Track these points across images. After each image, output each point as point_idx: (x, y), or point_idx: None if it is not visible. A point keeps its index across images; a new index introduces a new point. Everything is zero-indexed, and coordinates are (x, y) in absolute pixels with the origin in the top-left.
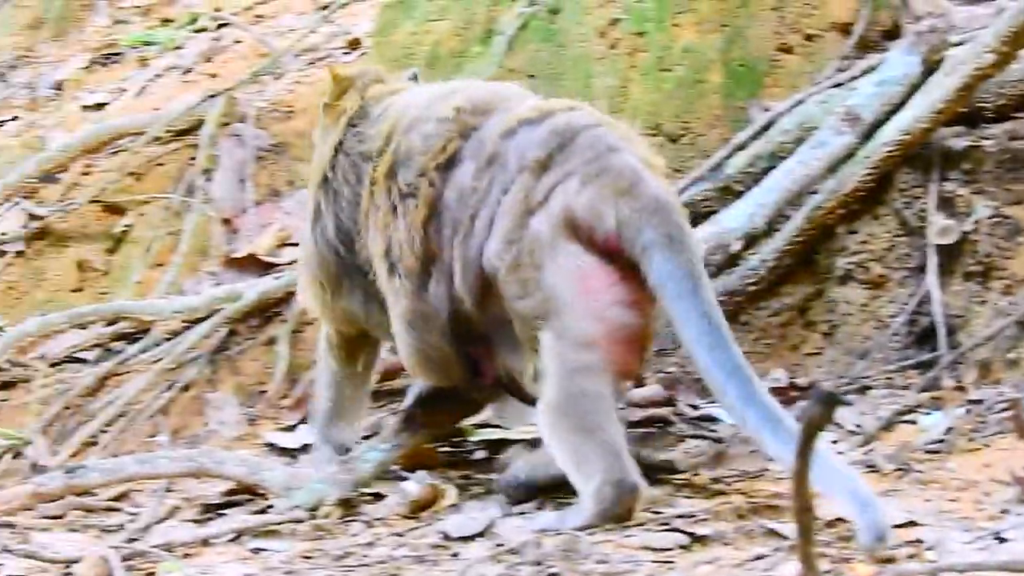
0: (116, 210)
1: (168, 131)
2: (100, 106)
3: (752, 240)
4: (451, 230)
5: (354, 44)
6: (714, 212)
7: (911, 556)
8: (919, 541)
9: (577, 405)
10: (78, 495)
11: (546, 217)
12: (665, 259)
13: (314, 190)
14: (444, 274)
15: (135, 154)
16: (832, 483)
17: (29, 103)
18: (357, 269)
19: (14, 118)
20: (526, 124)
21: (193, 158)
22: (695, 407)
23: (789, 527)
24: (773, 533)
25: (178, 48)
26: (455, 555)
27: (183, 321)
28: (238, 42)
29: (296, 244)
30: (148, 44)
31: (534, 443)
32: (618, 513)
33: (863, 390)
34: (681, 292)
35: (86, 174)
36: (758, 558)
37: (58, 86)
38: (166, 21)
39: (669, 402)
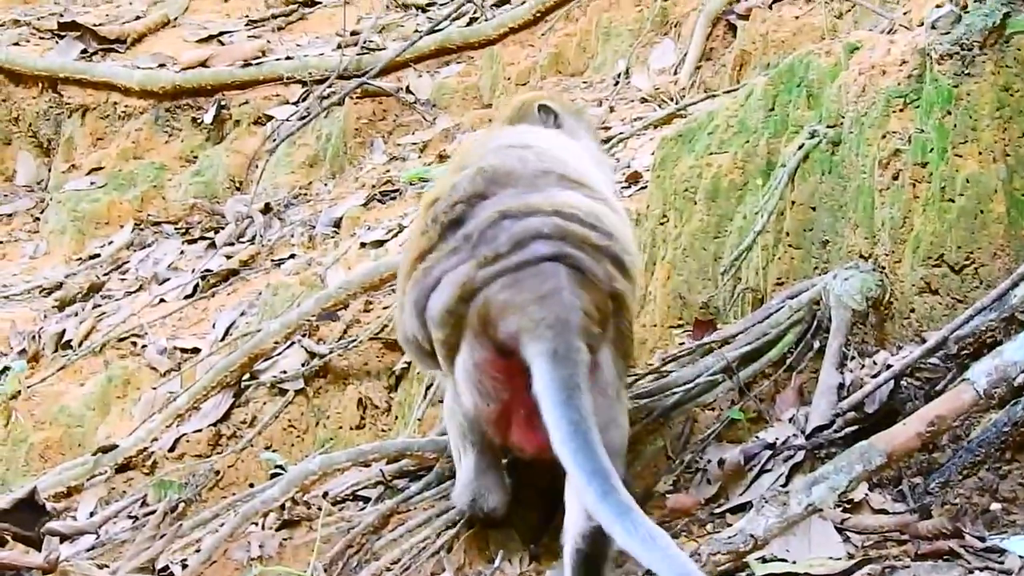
0: (396, 347)
1: None
2: (379, 243)
3: None
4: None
5: (634, 178)
6: (998, 343)
7: None
8: None
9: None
10: None
11: (473, 308)
12: (546, 370)
13: None
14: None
15: None
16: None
17: (307, 241)
18: None
19: (292, 256)
20: (509, 218)
21: None
22: (982, 539)
23: None
24: None
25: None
26: None
27: None
28: None
29: None
30: (425, 180)
31: None
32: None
33: None
34: (555, 402)
35: (366, 311)
36: None
37: (336, 224)
38: (443, 158)
39: (956, 534)
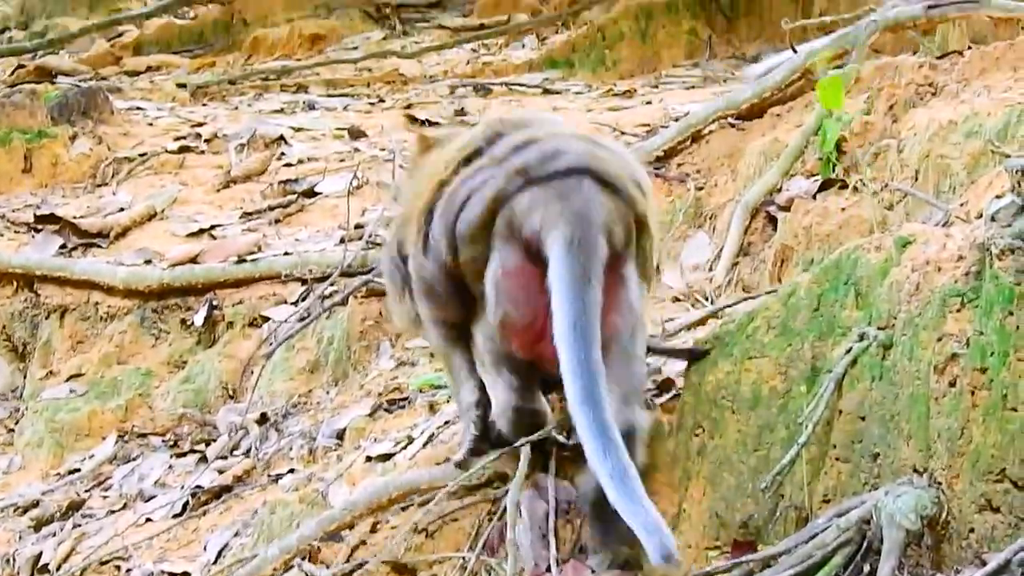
0: (407, 571)
1: (463, 485)
2: (386, 457)
3: None
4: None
5: (665, 385)
6: None
7: None
8: None
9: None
10: None
11: (501, 216)
12: (559, 257)
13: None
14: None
15: (427, 511)
16: (627, 507)
17: (307, 455)
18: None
19: (290, 471)
20: (537, 142)
21: (491, 513)
22: None
23: None
24: None
25: None
26: None
27: None
28: None
29: None
30: (438, 388)
31: None
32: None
33: None
34: (563, 295)
35: (373, 532)
36: None
37: (339, 435)
38: None
39: None
